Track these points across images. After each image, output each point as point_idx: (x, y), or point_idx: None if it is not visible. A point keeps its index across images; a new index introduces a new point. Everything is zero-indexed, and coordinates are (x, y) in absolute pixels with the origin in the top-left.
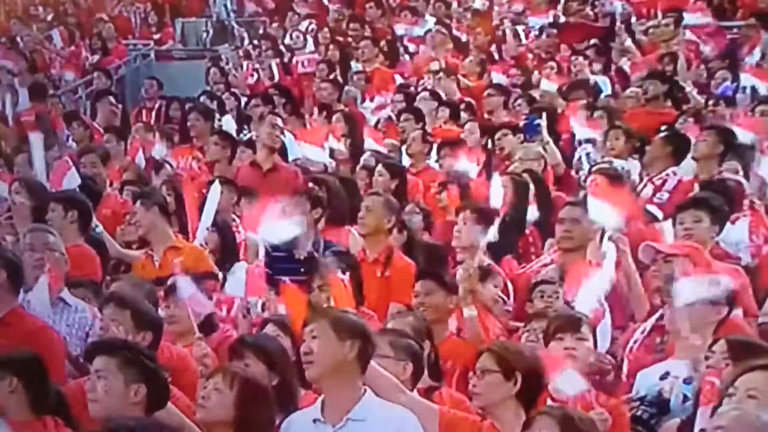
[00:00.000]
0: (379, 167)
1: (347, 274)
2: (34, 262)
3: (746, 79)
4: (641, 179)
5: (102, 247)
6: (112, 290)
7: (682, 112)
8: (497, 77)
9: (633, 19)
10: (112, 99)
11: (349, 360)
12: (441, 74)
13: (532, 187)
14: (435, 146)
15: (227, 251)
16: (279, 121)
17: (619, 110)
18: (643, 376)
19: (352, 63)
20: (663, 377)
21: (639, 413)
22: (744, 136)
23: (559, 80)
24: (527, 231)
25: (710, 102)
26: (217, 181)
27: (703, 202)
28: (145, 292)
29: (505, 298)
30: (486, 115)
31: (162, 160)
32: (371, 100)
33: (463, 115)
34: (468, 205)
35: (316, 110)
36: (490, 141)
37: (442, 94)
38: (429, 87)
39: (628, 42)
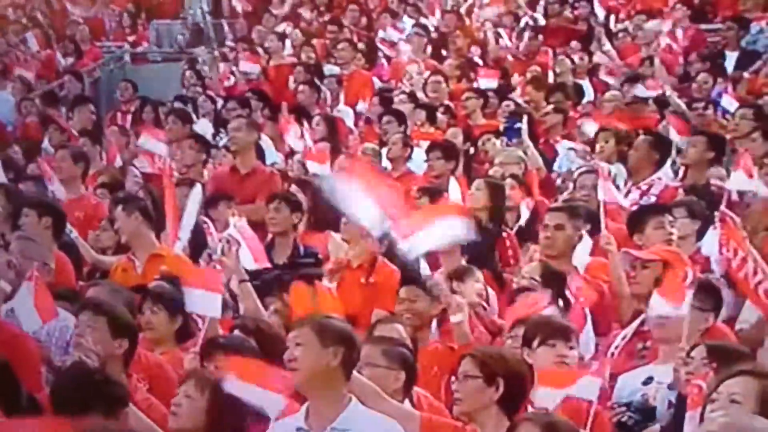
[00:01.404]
0: None
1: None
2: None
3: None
4: (625, 184)
5: (74, 252)
6: (88, 296)
7: (663, 116)
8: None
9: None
10: (92, 107)
11: (333, 367)
12: (434, 76)
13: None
14: (424, 149)
15: (199, 253)
16: (237, 123)
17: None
18: (624, 380)
19: (330, 66)
20: (646, 382)
21: (624, 419)
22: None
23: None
24: (504, 235)
25: (694, 105)
26: (198, 184)
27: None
28: (124, 298)
29: (485, 305)
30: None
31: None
32: (347, 104)
33: (442, 117)
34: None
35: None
36: (471, 145)
37: (420, 95)
38: (407, 90)
39: (607, 46)
